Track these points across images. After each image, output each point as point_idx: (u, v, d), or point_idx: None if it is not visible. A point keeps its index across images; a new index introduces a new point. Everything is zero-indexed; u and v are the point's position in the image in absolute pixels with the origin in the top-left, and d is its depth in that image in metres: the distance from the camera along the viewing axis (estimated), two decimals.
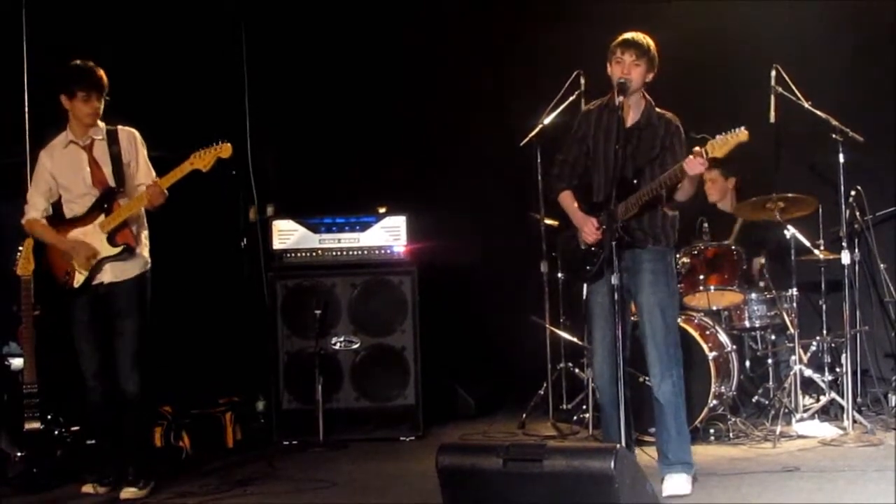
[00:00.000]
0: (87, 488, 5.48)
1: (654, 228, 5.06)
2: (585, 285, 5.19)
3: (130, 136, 5.59)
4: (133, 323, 5.45)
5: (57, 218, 5.57)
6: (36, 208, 5.57)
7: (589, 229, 5.05)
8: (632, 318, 5.41)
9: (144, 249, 5.58)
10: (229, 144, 5.43)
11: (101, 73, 5.47)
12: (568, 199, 5.21)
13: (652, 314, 5.00)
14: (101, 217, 5.46)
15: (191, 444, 6.41)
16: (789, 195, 6.35)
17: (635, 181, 4.98)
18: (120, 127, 5.59)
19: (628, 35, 5.02)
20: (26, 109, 6.44)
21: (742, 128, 4.71)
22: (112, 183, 5.49)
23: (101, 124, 5.55)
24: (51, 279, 5.57)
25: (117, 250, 5.46)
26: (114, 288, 5.48)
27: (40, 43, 6.51)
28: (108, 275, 5.47)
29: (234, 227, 7.67)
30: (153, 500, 5.34)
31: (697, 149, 4.77)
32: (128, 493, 5.38)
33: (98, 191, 5.49)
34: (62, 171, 5.52)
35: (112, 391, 5.45)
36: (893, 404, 6.63)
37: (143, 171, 5.57)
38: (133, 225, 5.53)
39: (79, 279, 5.46)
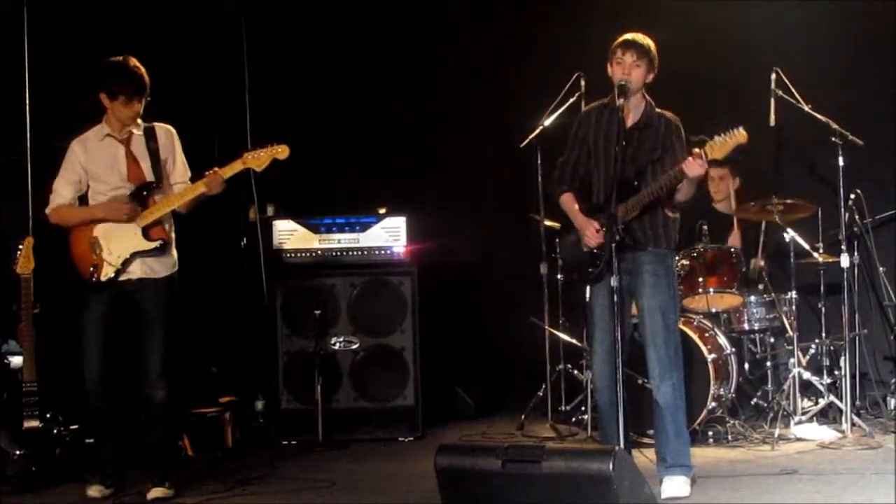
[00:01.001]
0: (93, 491, 5.35)
1: (654, 230, 5.06)
2: (588, 288, 5.17)
3: (168, 133, 5.47)
4: (162, 328, 5.30)
5: None
6: (63, 196, 5.37)
7: (590, 232, 5.04)
8: (632, 321, 5.42)
9: (173, 250, 5.44)
10: (287, 146, 5.33)
11: (143, 72, 5.32)
12: (569, 202, 5.21)
13: (652, 316, 5.00)
14: (138, 210, 5.30)
15: (190, 444, 6.41)
16: (788, 201, 6.34)
17: (636, 182, 4.98)
18: (157, 124, 5.46)
19: (629, 35, 5.01)
20: (27, 108, 6.43)
21: (740, 128, 4.72)
22: (150, 178, 5.34)
23: (139, 121, 5.42)
24: (69, 273, 5.38)
25: (153, 245, 5.29)
26: (142, 285, 5.30)
27: (41, 42, 6.51)
28: (137, 271, 5.30)
29: (233, 226, 7.66)
30: (153, 500, 5.32)
31: (696, 150, 4.77)
32: (156, 492, 5.26)
33: (132, 185, 5.33)
34: (96, 163, 5.35)
35: (108, 393, 5.35)
36: (892, 407, 6.64)
37: (179, 169, 5.46)
38: (166, 223, 5.41)
39: (107, 271, 5.26)
